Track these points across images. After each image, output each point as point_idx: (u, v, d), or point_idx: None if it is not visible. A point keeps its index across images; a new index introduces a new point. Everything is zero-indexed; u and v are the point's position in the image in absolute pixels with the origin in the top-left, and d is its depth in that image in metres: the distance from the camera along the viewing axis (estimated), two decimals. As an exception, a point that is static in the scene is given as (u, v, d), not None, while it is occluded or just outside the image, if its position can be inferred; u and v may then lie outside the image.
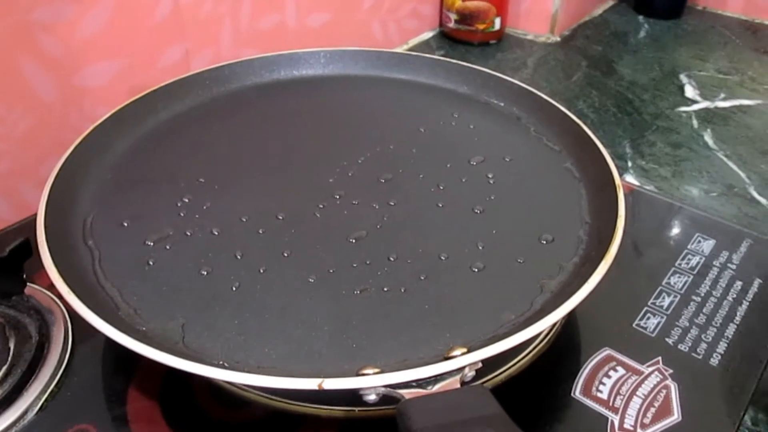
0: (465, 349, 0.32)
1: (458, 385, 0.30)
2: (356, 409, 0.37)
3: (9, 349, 0.40)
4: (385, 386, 0.29)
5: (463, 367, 0.30)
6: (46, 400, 0.38)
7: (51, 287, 0.45)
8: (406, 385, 0.29)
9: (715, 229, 0.52)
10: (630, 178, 0.72)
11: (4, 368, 0.39)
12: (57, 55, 0.57)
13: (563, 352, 0.42)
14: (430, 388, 0.29)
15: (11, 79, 0.54)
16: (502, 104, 0.56)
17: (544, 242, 0.41)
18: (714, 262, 0.49)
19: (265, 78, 0.59)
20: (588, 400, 0.39)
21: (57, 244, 0.38)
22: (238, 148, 0.51)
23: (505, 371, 0.39)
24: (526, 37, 1.05)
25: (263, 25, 0.75)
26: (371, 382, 0.29)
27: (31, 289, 0.44)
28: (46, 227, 0.38)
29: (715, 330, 0.43)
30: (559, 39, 1.05)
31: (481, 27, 0.99)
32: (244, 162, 0.49)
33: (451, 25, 1.01)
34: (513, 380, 0.39)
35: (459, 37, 1.01)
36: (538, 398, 0.39)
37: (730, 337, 0.43)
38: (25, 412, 0.37)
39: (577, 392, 0.39)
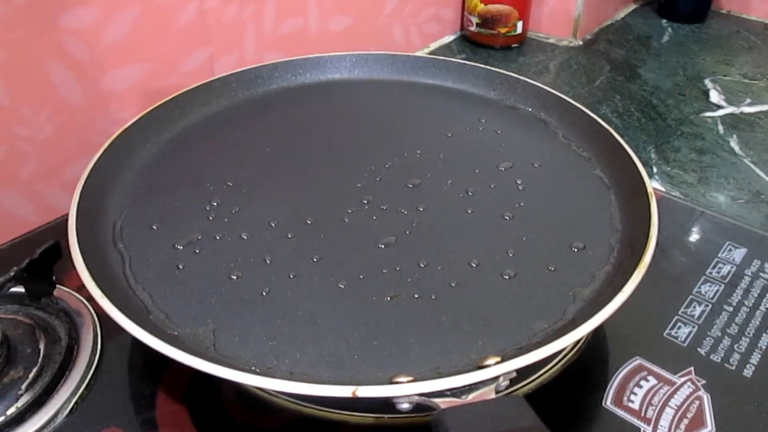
0: (498, 358, 0.31)
1: (493, 395, 0.30)
2: (386, 416, 0.37)
3: (39, 350, 0.40)
4: (420, 394, 0.29)
5: (498, 377, 0.30)
6: (76, 402, 0.38)
7: (80, 289, 0.45)
8: (441, 393, 0.29)
9: (746, 237, 0.51)
10: (655, 185, 0.71)
11: (35, 370, 0.39)
12: (83, 59, 0.57)
13: (593, 361, 0.41)
14: (464, 397, 0.29)
15: (38, 81, 0.55)
16: (529, 109, 0.55)
17: (575, 250, 0.41)
18: (746, 271, 0.48)
19: (291, 82, 0.59)
20: (619, 410, 0.38)
21: (87, 247, 0.38)
22: (265, 152, 0.51)
23: (534, 380, 0.39)
24: (548, 41, 1.04)
25: (286, 29, 0.75)
26: (405, 390, 0.29)
27: (60, 291, 0.45)
28: (77, 230, 0.38)
29: (748, 340, 0.42)
30: (581, 43, 1.04)
31: (503, 31, 0.99)
32: (272, 166, 0.49)
33: (473, 28, 1.00)
34: (543, 389, 0.39)
35: (480, 41, 1.01)
36: (569, 408, 0.38)
37: (763, 348, 0.42)
38: (56, 415, 0.37)
39: (608, 402, 0.39)
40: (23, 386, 0.38)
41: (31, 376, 0.38)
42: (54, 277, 0.44)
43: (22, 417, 0.37)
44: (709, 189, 0.71)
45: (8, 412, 0.37)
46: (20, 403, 0.37)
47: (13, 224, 0.55)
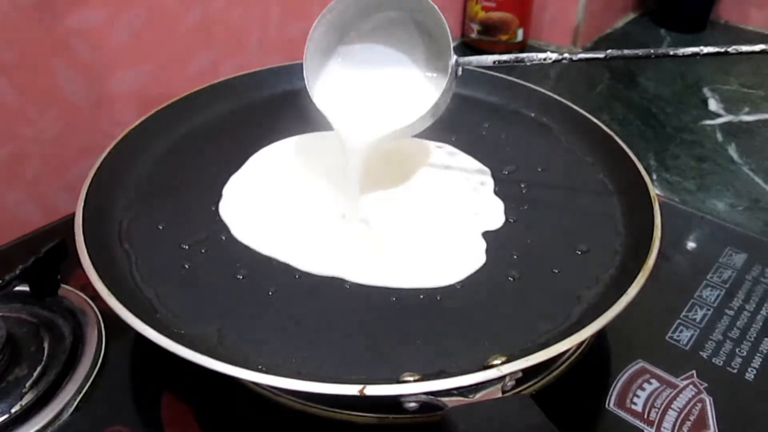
0: (504, 358, 0.31)
1: (500, 394, 0.30)
2: (390, 416, 0.37)
3: (44, 349, 0.40)
4: (427, 393, 0.29)
5: (505, 376, 0.30)
6: (80, 400, 0.38)
7: (84, 288, 0.45)
8: (448, 392, 0.29)
9: (747, 242, 0.51)
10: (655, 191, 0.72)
11: (39, 368, 0.39)
12: (89, 60, 0.57)
13: (596, 364, 0.41)
14: (471, 396, 0.29)
15: (44, 82, 0.55)
16: (532, 114, 0.56)
17: (579, 253, 0.41)
18: (746, 276, 0.48)
19: (296, 85, 0.59)
20: (623, 412, 0.38)
21: (94, 246, 0.38)
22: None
23: (539, 381, 0.39)
24: (548, 49, 1.05)
25: (289, 33, 0.75)
26: (413, 389, 0.29)
27: (64, 290, 0.45)
28: (83, 229, 0.38)
29: (749, 344, 0.43)
30: (581, 51, 1.05)
31: (503, 38, 0.99)
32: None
33: (474, 35, 1.01)
34: (547, 390, 0.39)
35: (481, 48, 1.02)
36: (573, 409, 0.39)
37: (765, 352, 0.42)
38: (60, 413, 0.37)
39: (611, 404, 0.39)
40: (27, 384, 0.38)
41: (35, 374, 0.38)
42: (59, 276, 0.44)
43: (26, 415, 0.37)
44: (709, 196, 0.72)
45: (13, 410, 0.37)
46: (24, 401, 0.37)
47: (17, 224, 0.55)
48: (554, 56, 0.39)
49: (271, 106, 0.57)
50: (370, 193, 0.45)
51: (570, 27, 1.03)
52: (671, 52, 0.38)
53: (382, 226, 0.43)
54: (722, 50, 0.37)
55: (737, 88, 0.95)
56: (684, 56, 0.37)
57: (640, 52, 0.38)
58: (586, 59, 0.40)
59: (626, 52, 0.38)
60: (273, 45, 0.74)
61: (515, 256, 0.41)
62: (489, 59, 0.41)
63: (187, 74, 0.66)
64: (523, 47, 1.03)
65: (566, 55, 0.39)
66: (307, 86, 0.44)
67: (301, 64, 0.58)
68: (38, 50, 0.53)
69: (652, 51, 0.38)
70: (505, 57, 0.40)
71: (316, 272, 0.39)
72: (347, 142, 0.43)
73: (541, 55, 0.39)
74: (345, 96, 0.45)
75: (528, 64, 0.40)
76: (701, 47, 0.37)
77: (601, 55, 0.39)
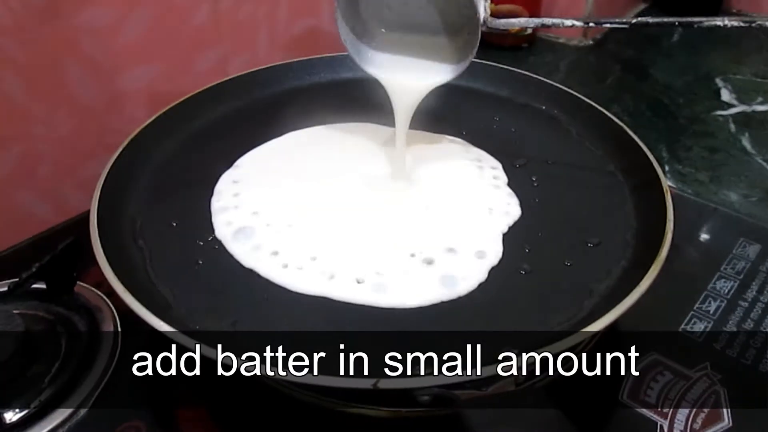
0: (517, 352, 0.31)
1: (512, 387, 0.30)
2: (404, 410, 0.37)
3: (61, 346, 0.41)
4: (440, 387, 0.29)
5: (517, 369, 0.30)
6: (97, 397, 0.38)
7: (98, 285, 0.45)
8: (461, 385, 0.29)
9: (760, 233, 0.51)
10: (667, 183, 0.72)
11: (57, 364, 0.39)
12: (99, 59, 0.58)
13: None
14: (484, 389, 0.29)
15: (55, 81, 0.55)
16: (542, 107, 0.55)
17: (591, 245, 0.41)
18: (760, 267, 0.48)
19: (305, 81, 0.59)
20: (636, 404, 0.38)
21: (108, 244, 0.38)
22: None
23: (549, 375, 0.39)
24: (558, 41, 1.04)
25: (298, 29, 0.76)
26: (426, 382, 0.29)
27: (79, 287, 0.45)
28: (98, 227, 0.39)
29: (763, 336, 0.42)
30: (591, 43, 1.04)
31: (513, 30, 0.99)
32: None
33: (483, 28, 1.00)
34: (558, 384, 0.39)
35: (490, 41, 1.01)
36: (586, 402, 0.39)
37: (779, 343, 0.42)
38: (78, 408, 0.38)
39: (625, 396, 0.39)
40: (46, 380, 0.38)
41: (53, 370, 0.39)
42: (75, 274, 0.44)
43: (44, 411, 0.37)
44: (721, 187, 0.71)
45: (31, 406, 0.37)
46: (43, 397, 0.38)
47: (31, 223, 0.56)
48: (579, 23, 0.41)
49: (281, 103, 0.57)
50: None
51: (579, 19, 1.03)
52: (695, 25, 0.38)
53: (399, 226, 0.43)
54: (745, 24, 0.38)
55: (750, 78, 0.94)
56: (708, 27, 0.37)
57: (664, 20, 0.38)
58: (611, 25, 0.41)
59: (651, 21, 0.39)
60: (282, 42, 0.74)
61: (527, 250, 0.41)
62: (516, 22, 0.43)
63: (197, 71, 0.66)
64: (532, 40, 1.02)
65: (591, 24, 0.40)
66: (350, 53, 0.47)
67: (309, 60, 0.59)
68: (49, 49, 0.53)
69: (676, 20, 0.38)
70: (532, 22, 0.42)
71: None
72: (398, 90, 0.46)
73: (568, 22, 0.41)
74: (386, 57, 0.47)
75: (553, 28, 0.42)
76: (724, 19, 0.38)
77: (625, 26, 0.40)
